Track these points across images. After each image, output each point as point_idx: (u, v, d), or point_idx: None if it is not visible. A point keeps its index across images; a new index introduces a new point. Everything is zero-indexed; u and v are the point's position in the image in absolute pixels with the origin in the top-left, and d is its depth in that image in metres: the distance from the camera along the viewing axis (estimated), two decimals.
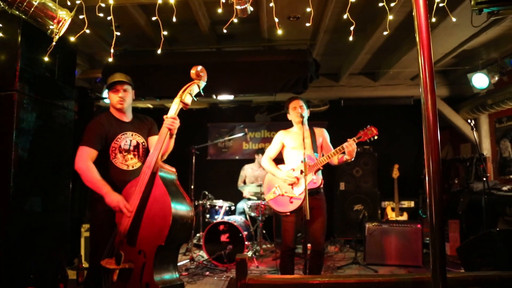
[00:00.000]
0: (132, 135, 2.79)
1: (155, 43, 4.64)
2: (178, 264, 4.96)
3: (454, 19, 2.57)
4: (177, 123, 2.56)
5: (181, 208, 2.35)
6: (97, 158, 2.62)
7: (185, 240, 2.48)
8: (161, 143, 2.47)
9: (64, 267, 3.29)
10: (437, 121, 1.61)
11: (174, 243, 2.40)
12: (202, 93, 2.69)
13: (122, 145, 2.72)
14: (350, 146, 3.25)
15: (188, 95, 2.57)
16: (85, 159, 2.56)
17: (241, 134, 5.99)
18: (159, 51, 2.85)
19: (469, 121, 4.34)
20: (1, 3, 2.53)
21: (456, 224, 5.12)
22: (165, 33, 2.93)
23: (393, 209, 5.97)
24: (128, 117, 2.86)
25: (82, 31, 2.74)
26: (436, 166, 1.52)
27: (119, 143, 2.71)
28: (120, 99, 2.74)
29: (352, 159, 3.36)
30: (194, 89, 2.62)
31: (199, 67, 2.60)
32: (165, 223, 2.24)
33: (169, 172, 2.51)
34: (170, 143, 2.72)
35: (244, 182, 6.38)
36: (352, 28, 2.55)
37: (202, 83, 2.66)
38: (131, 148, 2.77)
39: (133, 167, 2.75)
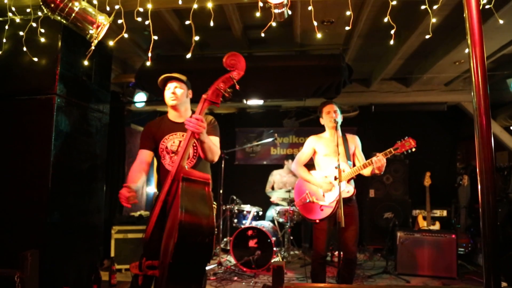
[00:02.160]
0: (182, 135, 2.64)
1: (188, 47, 4.66)
2: (206, 268, 4.98)
3: (501, 21, 2.47)
4: (201, 124, 2.20)
5: (195, 224, 2.02)
6: (155, 160, 2.73)
7: (205, 260, 2.13)
8: (183, 148, 2.23)
9: (98, 269, 3.33)
10: (491, 127, 1.54)
11: (188, 263, 2.06)
12: (237, 85, 2.24)
13: (169, 146, 2.63)
14: (379, 161, 3.16)
15: (216, 90, 2.22)
16: (136, 160, 2.69)
17: (270, 139, 5.96)
18: (188, 56, 2.79)
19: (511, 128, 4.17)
20: (44, 9, 2.60)
21: None
22: (197, 38, 2.93)
23: (424, 218, 5.80)
24: (183, 117, 2.66)
25: (120, 36, 2.78)
26: (490, 175, 1.45)
27: (166, 144, 2.64)
28: (172, 95, 2.64)
29: (381, 173, 3.28)
30: (225, 82, 2.24)
31: (228, 54, 2.21)
32: (173, 239, 1.99)
33: (196, 181, 2.20)
34: (206, 147, 2.42)
35: (273, 188, 6.34)
36: (392, 31, 2.49)
37: (237, 74, 2.24)
38: (179, 149, 2.55)
39: None
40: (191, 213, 2.03)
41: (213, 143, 2.51)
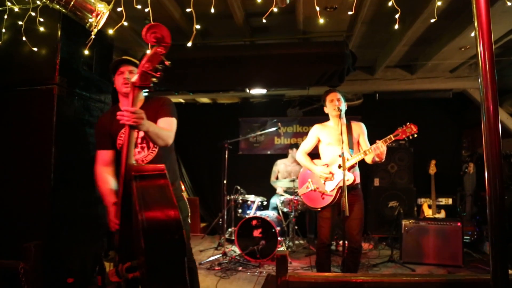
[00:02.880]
0: None
1: (189, 36, 4.61)
2: (211, 258, 5.01)
3: (509, 3, 2.40)
4: (135, 116, 1.96)
5: (158, 224, 1.80)
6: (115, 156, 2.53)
7: (180, 256, 1.88)
8: (125, 146, 1.97)
9: (102, 260, 3.33)
10: (498, 113, 1.50)
11: (163, 265, 1.86)
12: (166, 61, 1.94)
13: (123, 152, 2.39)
14: (378, 149, 3.12)
15: (144, 73, 1.91)
16: (97, 164, 2.53)
17: (274, 129, 5.92)
18: (189, 44, 2.71)
19: None
20: None
21: None
22: (198, 26, 2.86)
23: (429, 206, 5.78)
24: (136, 106, 2.42)
25: (120, 24, 2.74)
26: (497, 161, 1.42)
27: (122, 140, 2.41)
28: (124, 81, 2.42)
29: (382, 161, 3.24)
30: (152, 61, 1.91)
31: (147, 27, 1.89)
32: (140, 242, 1.77)
33: (150, 176, 1.96)
34: (152, 135, 2.18)
35: (277, 178, 6.32)
36: (397, 16, 2.43)
37: (162, 48, 1.92)
38: (138, 140, 2.47)
39: (143, 161, 2.47)
40: (152, 214, 1.80)
41: (160, 128, 2.30)
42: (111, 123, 2.46)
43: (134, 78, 1.93)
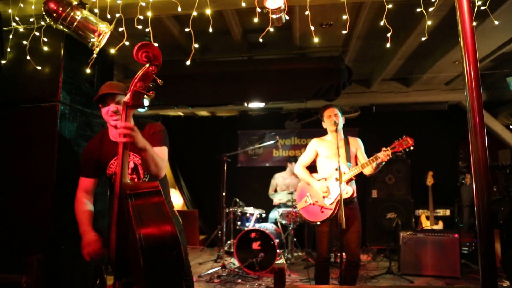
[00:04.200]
0: (128, 155, 2.24)
1: (188, 52, 4.70)
2: (210, 271, 5.04)
3: (496, 22, 2.49)
4: (131, 131, 1.90)
5: (157, 242, 1.80)
6: (108, 184, 2.44)
7: (179, 271, 1.91)
8: (119, 165, 1.92)
9: (103, 273, 3.36)
10: (484, 128, 1.58)
11: (162, 281, 1.86)
12: (158, 80, 1.92)
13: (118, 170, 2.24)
14: (386, 158, 3.19)
15: (136, 92, 1.90)
16: (78, 190, 2.48)
17: (272, 142, 5.99)
18: (188, 62, 2.78)
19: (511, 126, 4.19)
20: (47, 19, 2.65)
21: (496, 234, 4.93)
22: (196, 46, 2.94)
23: (427, 218, 5.82)
24: None
25: (121, 43, 2.82)
26: (485, 174, 1.48)
27: (113, 169, 2.33)
28: (111, 113, 2.27)
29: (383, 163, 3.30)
30: (144, 80, 1.90)
31: (138, 47, 1.87)
32: (139, 260, 1.75)
33: (145, 193, 1.94)
34: (148, 156, 2.09)
35: (275, 191, 6.37)
36: (389, 34, 2.52)
37: (154, 67, 1.90)
38: (129, 171, 2.32)
39: None
40: (150, 232, 1.80)
41: (157, 153, 2.19)
42: (100, 152, 2.40)
43: (127, 97, 1.90)
